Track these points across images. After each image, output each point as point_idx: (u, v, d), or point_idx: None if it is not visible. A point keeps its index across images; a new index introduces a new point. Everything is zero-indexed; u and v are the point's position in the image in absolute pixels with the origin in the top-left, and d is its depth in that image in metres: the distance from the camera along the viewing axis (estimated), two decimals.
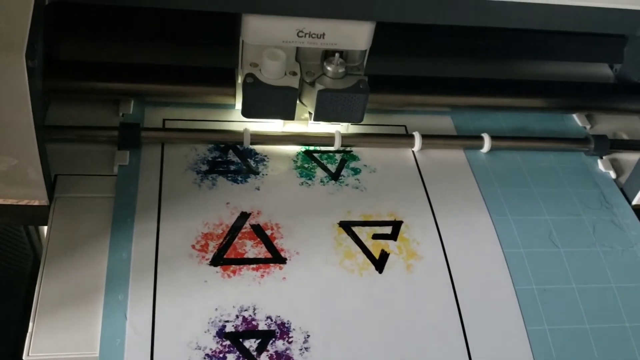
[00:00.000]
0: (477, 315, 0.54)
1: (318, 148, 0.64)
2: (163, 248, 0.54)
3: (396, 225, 0.59)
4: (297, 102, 0.60)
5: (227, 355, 0.49)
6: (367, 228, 0.58)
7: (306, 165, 0.63)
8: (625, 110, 0.72)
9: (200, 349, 0.49)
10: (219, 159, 0.62)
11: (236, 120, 0.65)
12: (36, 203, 0.55)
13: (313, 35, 0.57)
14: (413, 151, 0.65)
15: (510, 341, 0.53)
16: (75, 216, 0.55)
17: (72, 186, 0.57)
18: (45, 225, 0.55)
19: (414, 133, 0.65)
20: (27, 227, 0.97)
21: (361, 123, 0.63)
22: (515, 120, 0.71)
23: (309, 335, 0.51)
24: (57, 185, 0.56)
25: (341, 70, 0.59)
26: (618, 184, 0.66)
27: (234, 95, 0.63)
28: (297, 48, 0.59)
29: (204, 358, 0.49)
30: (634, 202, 0.64)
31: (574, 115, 0.73)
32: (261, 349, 0.50)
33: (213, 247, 0.55)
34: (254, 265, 0.54)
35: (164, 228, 0.55)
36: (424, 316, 0.53)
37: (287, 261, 0.55)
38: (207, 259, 0.54)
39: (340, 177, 0.62)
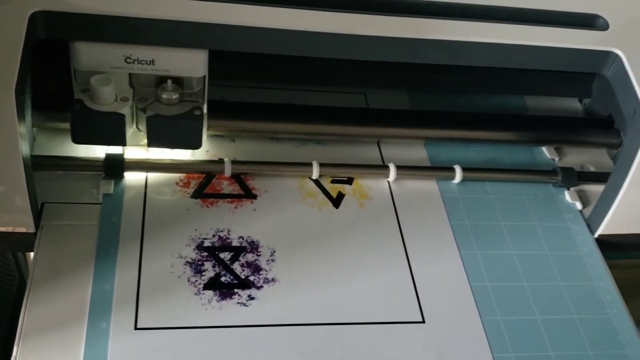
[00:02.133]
0: (419, 244, 0.63)
1: None
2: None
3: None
4: (133, 128, 0.62)
5: (205, 263, 0.58)
6: (329, 179, 0.67)
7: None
8: (592, 144, 0.75)
9: (181, 257, 0.58)
10: None
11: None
12: (23, 230, 0.57)
13: (142, 62, 0.58)
14: (388, 181, 0.68)
15: (447, 263, 0.62)
16: (61, 243, 0.57)
17: (58, 214, 0.59)
18: (31, 251, 0.57)
19: (389, 164, 0.68)
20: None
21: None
22: (487, 152, 0.74)
23: (274, 251, 0.60)
24: (43, 212, 0.58)
25: (175, 96, 0.60)
26: (583, 215, 0.69)
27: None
28: (130, 74, 0.60)
29: (185, 264, 0.57)
30: (597, 234, 0.67)
31: (543, 148, 0.75)
32: (234, 259, 0.59)
33: (194, 184, 0.64)
34: (229, 199, 0.63)
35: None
36: (371, 243, 0.62)
37: (257, 197, 0.64)
38: (188, 194, 0.63)
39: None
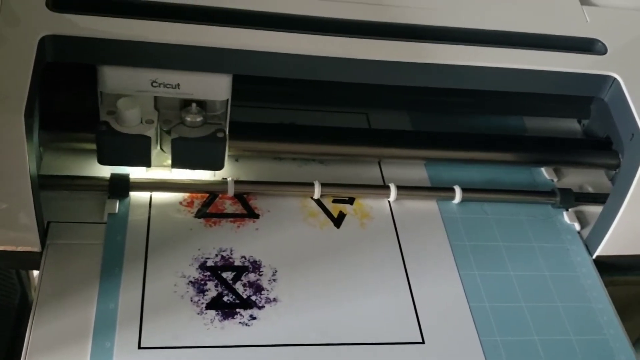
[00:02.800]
0: (420, 266, 0.64)
1: None
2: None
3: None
4: (157, 149, 0.63)
5: (208, 282, 0.59)
6: (330, 199, 0.68)
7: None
8: (591, 165, 0.76)
9: (184, 277, 0.59)
10: None
11: None
12: (29, 249, 0.58)
13: (167, 86, 0.59)
14: (389, 201, 0.69)
15: (445, 282, 0.63)
16: (66, 262, 0.58)
17: (63, 233, 0.60)
18: (37, 269, 0.58)
19: (389, 184, 0.69)
20: None
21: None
22: (487, 172, 0.75)
23: (276, 271, 0.61)
24: (49, 231, 0.59)
25: (198, 119, 0.61)
26: (582, 236, 0.70)
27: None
28: (155, 97, 0.61)
29: (188, 284, 0.58)
30: (595, 255, 0.68)
31: (542, 169, 0.76)
32: (236, 279, 0.60)
33: (197, 204, 0.64)
34: (232, 219, 0.64)
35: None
36: (372, 263, 0.63)
37: (260, 216, 0.65)
38: (192, 213, 0.64)
39: None
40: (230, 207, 0.65)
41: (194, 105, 0.61)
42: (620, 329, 0.62)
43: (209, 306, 0.57)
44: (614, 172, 0.75)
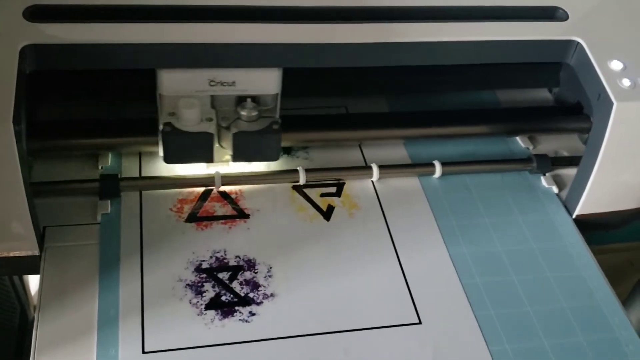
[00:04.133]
0: (409, 244, 0.65)
1: None
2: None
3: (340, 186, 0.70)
4: (216, 145, 0.66)
5: (205, 284, 0.60)
6: (316, 189, 0.69)
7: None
8: (564, 130, 0.78)
9: (181, 280, 0.60)
10: None
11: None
12: (28, 254, 0.59)
13: (224, 84, 0.63)
14: (373, 182, 0.71)
15: (436, 259, 0.64)
16: (65, 264, 0.59)
17: (60, 236, 0.61)
18: (37, 274, 0.59)
19: (371, 164, 0.71)
20: (13, 283, 1.01)
21: None
22: (464, 146, 0.77)
23: (271, 267, 0.62)
24: (46, 236, 0.61)
25: (254, 113, 0.64)
26: (560, 198, 0.73)
27: (157, 144, 0.66)
28: (212, 95, 0.64)
29: (185, 287, 0.59)
30: (575, 214, 0.70)
31: (518, 138, 0.79)
32: (232, 278, 0.60)
33: (188, 209, 0.65)
34: (223, 221, 0.65)
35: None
36: (363, 249, 0.64)
37: (250, 216, 0.66)
38: (182, 218, 0.65)
39: None
40: (220, 209, 0.66)
41: (249, 100, 0.64)
42: (609, 291, 0.64)
43: (208, 307, 0.58)
44: (586, 135, 0.77)
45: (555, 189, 0.73)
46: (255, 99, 0.65)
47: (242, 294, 0.59)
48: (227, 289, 0.59)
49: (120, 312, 0.56)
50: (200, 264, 0.61)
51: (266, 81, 0.64)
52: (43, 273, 0.59)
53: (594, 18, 0.69)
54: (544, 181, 0.74)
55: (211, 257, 0.62)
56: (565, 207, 0.72)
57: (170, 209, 0.65)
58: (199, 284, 0.59)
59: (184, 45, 0.59)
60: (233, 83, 0.63)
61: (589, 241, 0.69)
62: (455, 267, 0.64)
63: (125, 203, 0.65)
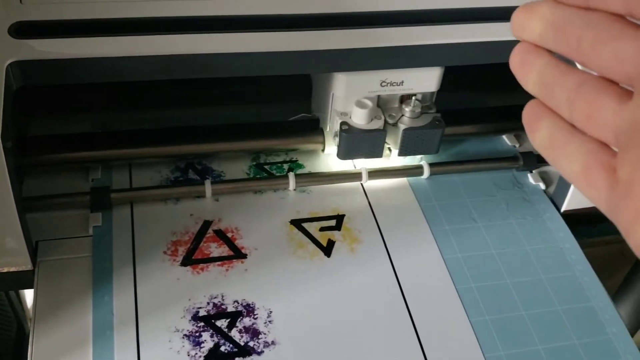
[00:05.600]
0: (414, 282, 0.63)
1: (268, 160, 0.74)
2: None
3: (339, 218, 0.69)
4: None
5: (202, 333, 0.58)
6: (315, 223, 0.68)
7: (258, 177, 0.72)
8: None
9: (178, 331, 0.57)
10: (181, 178, 0.70)
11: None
12: (21, 269, 0.60)
13: (393, 84, 0.67)
14: (362, 184, 0.72)
15: (444, 299, 0.63)
16: (58, 277, 0.60)
17: (52, 250, 0.62)
18: (31, 288, 0.60)
19: (360, 169, 0.72)
20: (9, 296, 1.01)
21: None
22: (452, 146, 0.78)
23: (271, 312, 0.60)
24: (39, 250, 0.62)
25: (418, 110, 0.68)
26: (548, 194, 0.74)
27: (323, 142, 0.73)
28: (378, 96, 0.68)
29: (182, 338, 0.57)
30: (563, 209, 0.71)
31: (504, 137, 0.80)
32: (231, 326, 0.58)
33: (182, 251, 0.63)
34: (219, 262, 0.63)
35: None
36: (367, 288, 0.62)
37: (247, 256, 0.64)
38: (177, 262, 0.63)
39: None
40: (216, 250, 0.64)
41: (414, 98, 0.68)
42: (602, 290, 0.65)
43: (207, 359, 0.56)
44: None
45: (542, 186, 0.74)
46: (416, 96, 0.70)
47: (242, 343, 0.57)
48: (226, 338, 0.57)
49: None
50: (198, 312, 0.59)
51: (430, 80, 0.68)
52: (37, 287, 0.59)
53: None
54: (531, 178, 0.75)
55: (208, 303, 0.60)
56: (553, 202, 0.72)
57: (164, 252, 0.63)
58: (197, 334, 0.57)
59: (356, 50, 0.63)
60: (401, 83, 0.67)
61: (581, 234, 0.70)
62: (462, 302, 0.63)
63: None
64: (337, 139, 0.69)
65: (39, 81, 0.58)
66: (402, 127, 0.69)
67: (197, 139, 0.71)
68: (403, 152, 0.71)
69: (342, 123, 0.68)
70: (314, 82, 0.74)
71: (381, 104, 0.70)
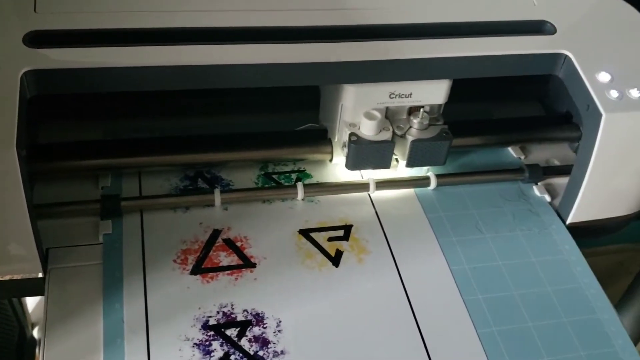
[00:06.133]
0: (421, 293, 0.64)
1: (276, 169, 0.74)
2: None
3: (347, 229, 0.70)
4: None
5: (212, 342, 0.58)
6: (323, 233, 0.68)
7: (267, 186, 0.72)
8: (554, 139, 0.80)
9: (188, 340, 0.58)
10: (190, 187, 0.71)
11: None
12: (32, 276, 0.60)
13: (402, 96, 0.68)
14: (369, 194, 0.72)
15: (451, 310, 0.63)
16: (69, 285, 0.60)
17: (63, 257, 0.62)
18: (41, 295, 0.60)
19: (368, 179, 0.72)
20: (11, 302, 1.02)
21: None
22: (458, 158, 0.78)
23: (280, 321, 0.60)
24: (49, 257, 0.62)
25: (425, 122, 0.69)
26: (553, 206, 0.74)
27: (331, 152, 0.73)
28: (387, 107, 0.69)
29: (193, 347, 0.57)
30: (568, 222, 0.72)
31: (510, 149, 0.80)
32: (241, 335, 0.59)
33: (192, 260, 0.64)
34: (229, 271, 0.63)
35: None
36: (375, 298, 0.63)
37: (256, 265, 0.64)
38: (187, 270, 0.63)
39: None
40: (225, 259, 0.64)
41: (422, 110, 0.69)
42: (607, 303, 0.66)
43: None
44: (576, 144, 0.79)
45: (547, 198, 0.75)
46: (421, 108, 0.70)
47: (252, 353, 0.57)
48: (236, 347, 0.58)
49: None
50: (207, 320, 0.59)
51: (438, 92, 0.69)
52: (48, 295, 0.59)
53: (581, 31, 0.71)
54: (536, 190, 0.75)
55: (218, 312, 0.60)
56: (559, 214, 0.73)
57: (174, 261, 0.63)
58: (207, 343, 0.58)
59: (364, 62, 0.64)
60: (410, 95, 0.68)
61: (580, 245, 0.71)
62: (470, 314, 0.63)
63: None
64: (346, 150, 0.70)
65: (52, 90, 0.59)
66: (410, 138, 0.69)
67: (206, 147, 0.71)
68: (411, 164, 0.71)
69: (351, 134, 0.68)
70: (323, 92, 0.74)
71: (389, 116, 0.70)
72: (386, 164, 0.70)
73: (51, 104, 0.70)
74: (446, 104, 0.76)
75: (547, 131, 0.79)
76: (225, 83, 0.63)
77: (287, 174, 0.74)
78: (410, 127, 0.70)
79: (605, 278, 0.69)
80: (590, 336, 0.63)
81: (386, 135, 0.69)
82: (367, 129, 0.68)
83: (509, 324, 0.62)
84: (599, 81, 0.67)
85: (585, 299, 0.66)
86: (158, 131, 0.73)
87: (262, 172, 0.74)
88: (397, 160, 0.72)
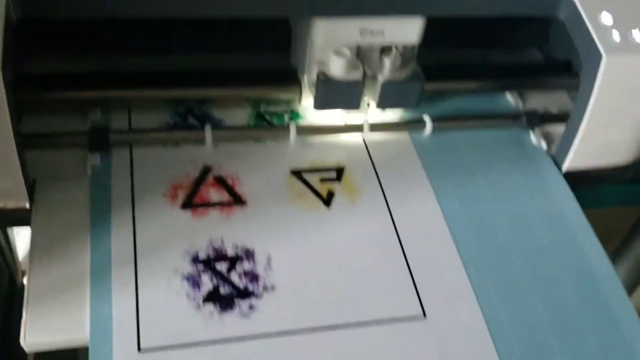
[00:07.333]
0: (412, 234, 0.64)
1: (269, 109, 0.73)
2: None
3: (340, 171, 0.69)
4: None
5: (202, 275, 0.58)
6: (315, 174, 0.67)
7: (259, 125, 0.72)
8: (553, 87, 0.79)
9: (177, 272, 0.57)
10: (180, 123, 0.70)
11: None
12: (19, 206, 0.59)
13: (373, 33, 0.65)
14: (363, 137, 0.71)
15: (441, 251, 0.63)
16: (56, 215, 0.59)
17: (50, 188, 0.61)
18: (28, 225, 0.59)
19: (363, 121, 0.71)
20: (1, 247, 1.01)
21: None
22: (454, 103, 0.77)
23: (271, 257, 0.60)
24: (36, 188, 0.61)
25: (398, 62, 0.67)
26: (549, 153, 0.73)
27: (299, 93, 0.71)
28: (358, 45, 0.66)
29: (182, 279, 0.57)
30: (564, 169, 0.71)
31: (507, 95, 0.79)
32: (230, 269, 0.58)
33: (182, 195, 0.63)
34: (219, 207, 0.63)
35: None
36: (366, 239, 0.63)
37: (247, 203, 0.64)
38: (177, 205, 0.62)
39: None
40: (215, 195, 0.64)
41: (394, 49, 0.66)
42: (598, 245, 0.65)
43: (206, 300, 0.56)
44: (575, 92, 0.77)
45: (544, 145, 0.74)
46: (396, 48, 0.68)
47: (241, 286, 0.57)
48: (226, 280, 0.58)
49: (113, 311, 0.54)
50: (197, 254, 0.59)
51: (411, 31, 0.66)
52: (34, 225, 0.59)
53: None
54: (533, 137, 0.74)
55: (208, 246, 0.60)
56: (555, 162, 0.72)
57: (164, 195, 0.63)
58: (196, 276, 0.58)
59: None
60: (382, 33, 0.65)
61: (580, 200, 0.70)
62: (458, 251, 0.63)
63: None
64: (314, 89, 0.67)
65: (38, 12, 0.57)
66: (381, 79, 0.67)
67: (193, 83, 0.69)
68: (381, 105, 0.69)
69: (320, 72, 0.66)
70: (294, 30, 0.72)
71: (361, 55, 0.68)
72: (355, 105, 0.68)
73: (40, 34, 0.68)
74: (442, 50, 0.75)
75: (545, 78, 0.78)
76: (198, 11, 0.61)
77: (280, 114, 0.73)
78: (382, 67, 0.68)
79: (600, 239, 0.69)
80: (576, 274, 0.63)
81: (356, 75, 0.66)
82: (337, 68, 0.65)
83: (498, 264, 0.62)
84: (601, 23, 0.65)
85: (575, 241, 0.65)
86: (148, 67, 0.71)
87: (255, 112, 0.72)
88: (368, 103, 0.70)
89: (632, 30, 0.64)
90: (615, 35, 0.64)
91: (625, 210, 1.36)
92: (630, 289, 0.90)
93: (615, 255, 0.93)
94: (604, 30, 0.65)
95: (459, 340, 0.57)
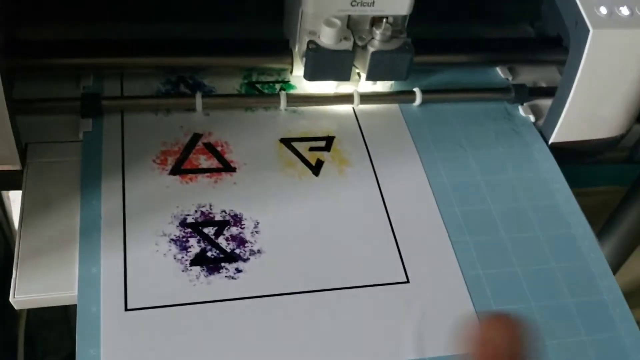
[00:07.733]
0: (399, 203, 0.64)
1: (260, 79, 0.73)
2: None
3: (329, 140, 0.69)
4: None
5: (190, 239, 0.58)
6: (304, 143, 0.68)
7: (249, 94, 0.72)
8: (543, 61, 0.79)
9: (165, 235, 0.58)
10: (172, 91, 0.70)
11: None
12: (10, 168, 0.60)
13: (364, 4, 0.65)
14: (353, 107, 0.72)
15: (427, 221, 0.63)
16: (47, 179, 0.60)
17: (42, 152, 0.62)
18: (20, 189, 0.60)
19: (353, 92, 0.72)
20: None
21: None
22: (445, 76, 0.78)
23: (258, 223, 0.61)
24: (28, 152, 0.62)
25: (388, 34, 0.67)
26: (537, 127, 0.74)
27: (291, 63, 0.71)
28: (348, 16, 0.67)
29: (169, 242, 0.58)
30: (550, 141, 0.72)
31: (498, 69, 0.80)
32: (218, 233, 0.59)
33: (171, 161, 0.64)
34: (208, 174, 0.64)
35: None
36: (353, 207, 0.63)
37: (236, 170, 0.64)
38: (166, 170, 0.63)
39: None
40: (205, 162, 0.64)
41: (384, 21, 0.66)
42: (582, 217, 0.66)
43: (193, 262, 0.57)
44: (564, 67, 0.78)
45: (532, 118, 0.74)
46: (387, 19, 0.67)
47: (229, 250, 0.58)
48: (213, 244, 0.58)
49: (101, 271, 0.55)
50: (185, 218, 0.60)
51: (401, 2, 0.66)
52: (25, 188, 0.60)
53: None
54: (521, 111, 0.75)
55: (196, 211, 0.60)
56: (542, 135, 0.73)
57: (154, 161, 0.63)
58: (184, 239, 0.58)
59: None
60: (372, 3, 0.65)
61: (569, 177, 0.70)
62: (445, 224, 0.63)
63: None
64: (305, 59, 0.68)
65: None
66: (371, 50, 0.67)
67: (182, 51, 0.70)
68: (371, 77, 0.70)
69: (310, 42, 0.66)
70: (286, 1, 0.72)
71: (351, 26, 0.68)
72: (346, 76, 0.69)
73: (34, 3, 0.69)
74: (434, 24, 0.75)
75: (535, 53, 0.79)
76: None
77: (271, 84, 0.73)
78: (372, 38, 0.67)
79: (588, 217, 0.70)
80: (563, 249, 0.63)
81: (346, 45, 0.66)
82: (327, 38, 0.66)
83: (483, 235, 0.63)
84: None
85: (561, 214, 0.66)
86: (141, 35, 0.72)
87: (246, 81, 0.73)
88: (358, 75, 0.71)
89: (620, 7, 0.65)
90: (603, 10, 0.65)
91: (618, 188, 1.36)
92: (614, 268, 0.92)
93: (600, 234, 0.94)
94: (592, 5, 0.65)
95: (440, 303, 0.58)
